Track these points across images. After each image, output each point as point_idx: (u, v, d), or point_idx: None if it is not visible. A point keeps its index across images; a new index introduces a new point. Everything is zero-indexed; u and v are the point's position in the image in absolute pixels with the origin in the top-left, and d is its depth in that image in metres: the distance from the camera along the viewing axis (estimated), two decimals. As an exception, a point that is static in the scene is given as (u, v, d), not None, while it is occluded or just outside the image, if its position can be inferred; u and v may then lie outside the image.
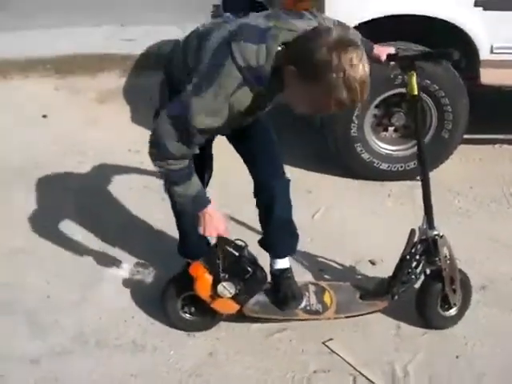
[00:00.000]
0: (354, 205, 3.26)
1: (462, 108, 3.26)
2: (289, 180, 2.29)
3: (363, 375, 2.25)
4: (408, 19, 3.06)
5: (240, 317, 2.37)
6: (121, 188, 3.32)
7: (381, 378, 2.24)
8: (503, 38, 3.15)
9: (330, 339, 2.39)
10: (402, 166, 3.40)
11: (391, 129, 3.45)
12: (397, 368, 2.29)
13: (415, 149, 3.35)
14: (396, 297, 2.40)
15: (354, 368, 2.28)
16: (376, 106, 3.33)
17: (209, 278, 2.24)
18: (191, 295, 2.34)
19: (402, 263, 2.36)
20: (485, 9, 3.08)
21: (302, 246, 2.56)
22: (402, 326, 2.47)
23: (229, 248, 2.22)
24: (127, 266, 2.79)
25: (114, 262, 2.80)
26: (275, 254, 2.39)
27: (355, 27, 2.55)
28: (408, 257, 2.34)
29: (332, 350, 2.35)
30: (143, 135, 3.83)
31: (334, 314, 2.40)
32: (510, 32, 3.13)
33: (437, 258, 2.30)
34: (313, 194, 3.34)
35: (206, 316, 2.38)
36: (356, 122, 3.26)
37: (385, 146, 3.43)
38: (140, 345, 2.37)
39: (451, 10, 3.10)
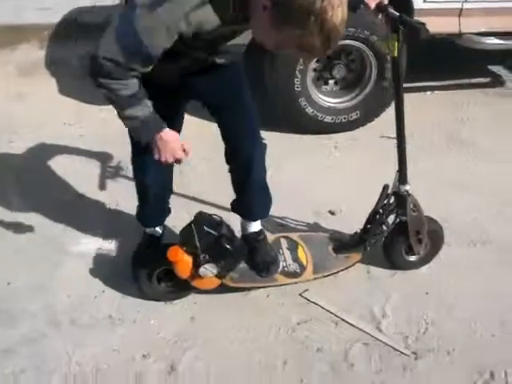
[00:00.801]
0: (304, 159, 3.29)
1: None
2: (265, 144, 2.24)
3: (344, 320, 2.30)
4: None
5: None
6: (62, 163, 3.18)
7: (361, 321, 2.30)
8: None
9: (306, 290, 2.43)
10: (345, 118, 3.47)
11: (332, 82, 3.48)
12: (375, 310, 2.36)
13: (357, 100, 3.49)
14: (369, 248, 2.46)
15: (335, 315, 2.33)
16: (316, 60, 3.34)
17: (189, 260, 2.19)
18: (165, 269, 2.30)
19: (375, 216, 2.40)
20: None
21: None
22: (371, 270, 2.55)
23: (207, 228, 2.18)
24: (86, 241, 2.69)
25: (72, 240, 2.68)
26: (251, 218, 2.37)
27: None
28: (381, 210, 2.39)
29: (310, 301, 2.39)
30: (77, 107, 3.79)
31: (312, 274, 2.42)
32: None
33: (405, 211, 2.36)
34: (261, 153, 3.31)
35: (184, 285, 2.32)
36: (299, 76, 3.27)
37: (327, 99, 3.47)
38: (117, 319, 2.30)
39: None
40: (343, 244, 2.53)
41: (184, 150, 1.94)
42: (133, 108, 1.81)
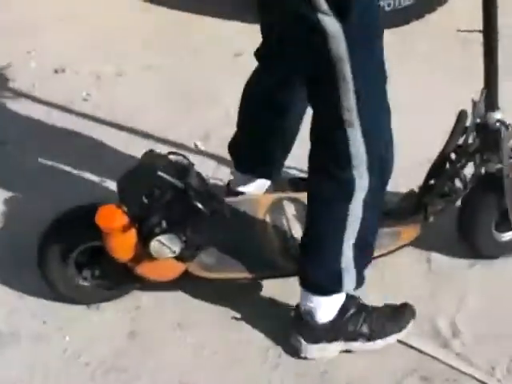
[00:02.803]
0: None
1: None
2: None
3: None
4: None
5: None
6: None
7: (420, 340, 2.22)
8: None
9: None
10: (394, 3, 3.54)
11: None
12: (439, 322, 2.30)
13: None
14: (431, 218, 2.37)
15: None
16: None
17: (132, 229, 2.12)
18: (89, 248, 2.24)
19: (443, 164, 2.34)
20: None
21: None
22: (434, 258, 2.50)
23: (162, 174, 2.10)
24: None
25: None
26: None
27: None
28: (453, 155, 2.31)
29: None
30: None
31: None
32: None
33: (497, 156, 2.29)
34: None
35: (122, 275, 2.26)
36: None
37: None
38: (10, 333, 2.26)
39: None
40: (390, 211, 2.42)
41: None
42: None
